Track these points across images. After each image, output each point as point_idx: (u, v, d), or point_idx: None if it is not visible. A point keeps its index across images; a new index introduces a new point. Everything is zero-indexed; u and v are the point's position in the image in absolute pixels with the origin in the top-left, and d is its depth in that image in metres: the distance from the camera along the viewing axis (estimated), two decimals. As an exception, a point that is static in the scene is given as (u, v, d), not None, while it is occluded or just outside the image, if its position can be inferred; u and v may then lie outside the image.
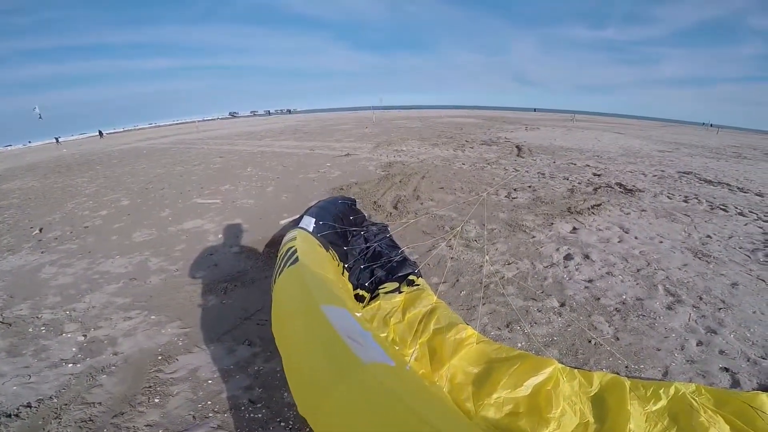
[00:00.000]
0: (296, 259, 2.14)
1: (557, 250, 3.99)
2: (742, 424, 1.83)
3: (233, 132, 21.47)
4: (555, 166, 8.38)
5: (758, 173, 9.28)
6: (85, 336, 2.64)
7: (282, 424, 1.87)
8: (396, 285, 2.89)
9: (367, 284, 2.95)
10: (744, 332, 2.76)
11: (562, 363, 2.25)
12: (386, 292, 2.80)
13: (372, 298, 2.78)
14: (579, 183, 6.75)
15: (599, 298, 3.12)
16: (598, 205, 5.46)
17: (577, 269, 3.61)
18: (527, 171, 7.74)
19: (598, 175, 7.49)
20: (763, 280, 3.56)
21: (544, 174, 7.44)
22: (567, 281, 3.38)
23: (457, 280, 3.34)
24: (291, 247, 2.32)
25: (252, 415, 1.92)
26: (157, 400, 2.02)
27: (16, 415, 1.92)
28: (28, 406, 1.98)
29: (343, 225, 3.71)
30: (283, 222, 4.93)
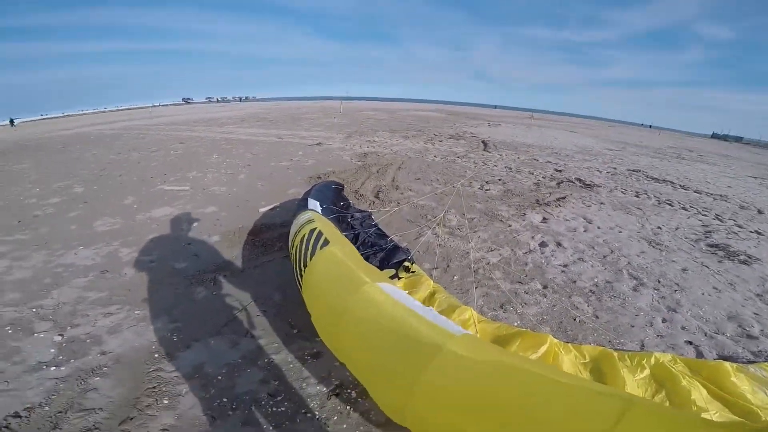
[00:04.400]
0: (326, 241, 2.09)
1: (533, 238, 4.26)
2: (715, 388, 2.10)
3: (190, 118, 20.23)
4: (519, 161, 8.82)
5: (695, 173, 10.35)
6: (62, 335, 2.43)
7: (308, 416, 1.84)
8: (393, 271, 2.95)
9: None
10: (698, 311, 3.13)
11: (556, 338, 2.43)
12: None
13: None
14: (543, 177, 7.18)
15: (575, 281, 3.40)
16: (563, 197, 5.85)
17: (552, 255, 3.89)
18: (495, 165, 8.07)
19: (559, 171, 8.00)
20: (707, 267, 4.04)
21: (511, 168, 7.81)
22: (546, 266, 3.64)
23: (448, 266, 3.48)
24: (314, 229, 2.25)
25: (275, 409, 1.88)
26: (166, 401, 1.90)
27: (6, 427, 1.72)
28: (17, 416, 1.79)
29: (340, 209, 3.71)
30: (263, 210, 4.79)
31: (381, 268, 3.03)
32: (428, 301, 2.67)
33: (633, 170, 9.13)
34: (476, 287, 3.14)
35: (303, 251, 2.14)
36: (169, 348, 2.31)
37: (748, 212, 6.79)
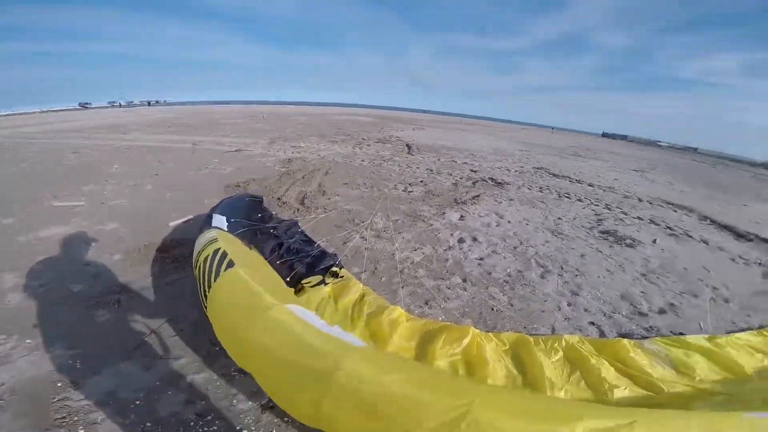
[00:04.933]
0: (230, 263, 2.00)
1: (452, 235, 4.53)
2: (619, 365, 2.39)
3: (88, 125, 17.88)
4: (440, 163, 9.34)
5: (589, 168, 11.87)
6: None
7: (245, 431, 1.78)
8: (320, 278, 2.94)
9: (288, 279, 2.92)
10: (596, 293, 3.56)
11: (477, 329, 2.61)
12: (312, 286, 2.82)
13: (296, 293, 2.77)
14: (461, 178, 7.69)
15: (491, 273, 3.68)
16: (478, 196, 6.33)
17: (469, 250, 4.16)
18: (418, 168, 8.44)
19: (475, 171, 8.63)
20: (600, 252, 4.63)
21: (432, 170, 8.23)
22: (464, 261, 3.89)
23: (376, 268, 3.55)
24: (217, 249, 2.14)
25: (206, 429, 1.78)
26: (82, 430, 1.72)
27: None
28: None
29: (253, 222, 3.55)
30: (174, 223, 4.42)
31: (308, 274, 3.00)
32: (358, 304, 2.72)
33: (538, 168, 10.21)
34: (402, 287, 3.25)
35: (206, 272, 2.06)
36: (73, 376, 2.06)
37: (630, 201, 7.98)
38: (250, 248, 2.81)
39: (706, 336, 3.01)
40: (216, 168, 7.39)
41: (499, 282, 3.54)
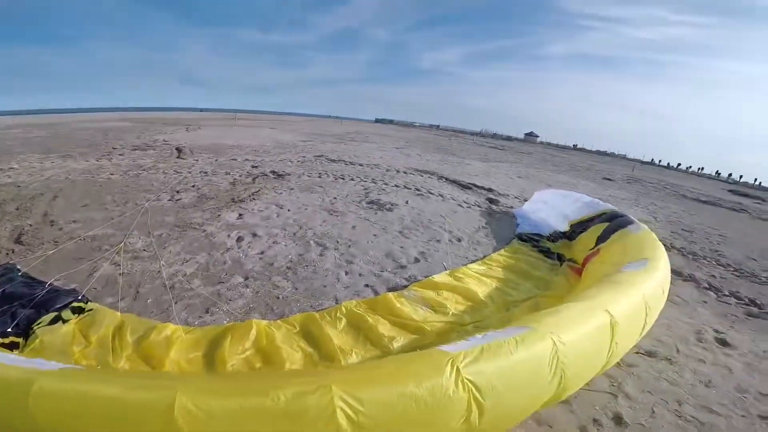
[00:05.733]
0: None
1: (229, 236, 4.39)
2: (392, 317, 2.81)
3: None
4: (217, 163, 8.77)
5: (362, 150, 13.61)
6: None
7: None
8: (53, 315, 2.47)
9: (9, 329, 2.34)
10: (366, 257, 4.14)
11: (266, 320, 2.69)
12: (44, 326, 2.35)
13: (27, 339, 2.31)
14: (240, 176, 7.48)
15: (272, 264, 3.79)
16: (258, 191, 6.33)
17: (249, 247, 4.15)
18: (189, 172, 7.67)
19: (256, 167, 8.56)
20: (368, 219, 5.43)
21: (206, 172, 7.65)
22: (244, 259, 3.86)
23: (138, 292, 3.12)
24: None
25: None
26: None
27: None
28: None
29: None
30: None
31: (38, 318, 2.47)
32: (119, 332, 2.43)
33: (318, 156, 11.02)
34: (175, 302, 2.98)
35: None
36: None
37: (391, 173, 9.65)
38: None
39: (448, 272, 3.88)
40: None
41: (282, 270, 3.70)
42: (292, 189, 6.73)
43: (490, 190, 9.04)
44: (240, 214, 5.14)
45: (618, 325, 2.14)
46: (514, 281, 3.90)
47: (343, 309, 2.87)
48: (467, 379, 1.46)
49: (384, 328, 2.68)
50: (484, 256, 4.55)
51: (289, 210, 5.51)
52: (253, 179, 7.27)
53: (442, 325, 2.80)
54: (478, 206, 7.20)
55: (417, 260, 4.26)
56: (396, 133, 32.61)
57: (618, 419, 2.27)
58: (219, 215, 5.02)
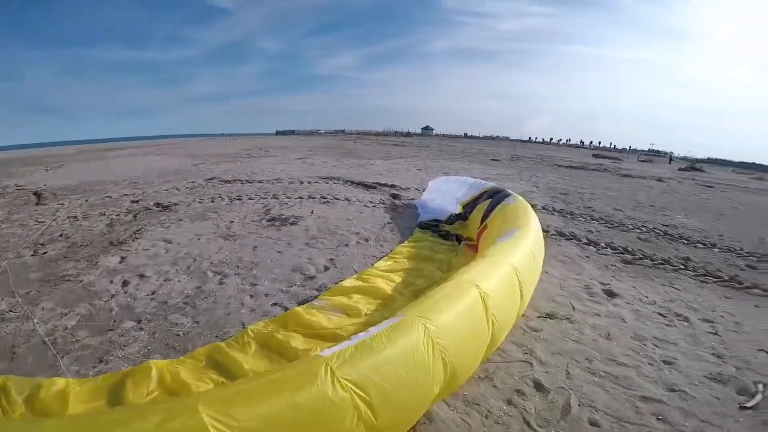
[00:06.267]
0: None
1: (111, 282, 3.91)
2: (303, 329, 2.76)
3: None
4: (88, 204, 7.62)
5: (261, 166, 13.04)
6: None
7: None
8: None
9: None
10: (272, 276, 4.00)
11: (169, 358, 2.52)
12: None
13: None
14: (117, 215, 6.62)
15: (167, 302, 3.47)
16: (140, 229, 5.70)
17: (137, 289, 3.75)
18: (54, 219, 6.55)
19: (137, 201, 7.67)
20: (270, 238, 5.26)
21: (76, 217, 6.60)
22: (133, 302, 3.48)
23: (14, 353, 2.75)
24: None
25: None
26: None
27: None
28: None
29: None
30: None
31: None
32: (2, 396, 2.12)
33: (209, 179, 10.29)
34: (62, 357, 2.65)
35: None
36: None
37: (294, 185, 9.47)
38: None
39: (356, 275, 3.92)
40: None
41: (178, 306, 3.42)
42: (181, 220, 6.19)
43: (392, 186, 9.48)
44: (122, 257, 4.59)
45: (489, 297, 2.22)
46: (419, 269, 4.13)
47: (250, 332, 2.77)
48: (344, 379, 1.47)
49: (297, 341, 2.64)
50: (391, 251, 4.77)
51: (179, 243, 5.07)
52: (134, 216, 6.50)
53: (356, 327, 2.79)
54: (383, 204, 7.49)
55: (327, 268, 4.30)
56: (299, 144, 32.01)
57: (539, 386, 2.36)
58: (96, 262, 4.42)
